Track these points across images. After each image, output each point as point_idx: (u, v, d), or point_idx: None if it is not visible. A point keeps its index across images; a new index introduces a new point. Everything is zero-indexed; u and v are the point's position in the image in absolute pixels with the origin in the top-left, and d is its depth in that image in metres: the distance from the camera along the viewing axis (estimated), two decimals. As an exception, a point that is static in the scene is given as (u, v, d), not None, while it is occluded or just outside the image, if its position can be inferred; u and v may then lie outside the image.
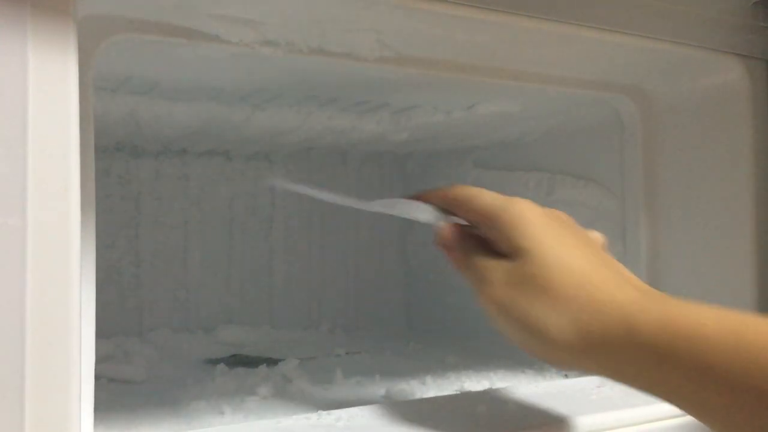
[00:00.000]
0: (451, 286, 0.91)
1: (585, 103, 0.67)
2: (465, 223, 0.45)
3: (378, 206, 0.49)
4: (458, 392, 0.61)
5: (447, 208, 0.46)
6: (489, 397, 0.52)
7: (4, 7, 0.32)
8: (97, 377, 0.44)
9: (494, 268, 0.41)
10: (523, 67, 0.58)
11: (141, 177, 0.89)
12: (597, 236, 0.44)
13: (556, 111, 0.71)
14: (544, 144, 0.78)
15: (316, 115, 0.73)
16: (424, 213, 0.47)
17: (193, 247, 0.92)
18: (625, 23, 0.52)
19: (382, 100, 0.70)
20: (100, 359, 0.71)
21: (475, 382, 0.65)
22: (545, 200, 0.77)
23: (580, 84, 0.62)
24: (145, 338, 0.86)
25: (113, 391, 0.64)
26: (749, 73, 0.58)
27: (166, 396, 0.61)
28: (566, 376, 0.67)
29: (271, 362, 0.73)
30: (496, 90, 0.64)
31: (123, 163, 0.88)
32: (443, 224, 0.45)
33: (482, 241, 0.43)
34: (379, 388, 0.63)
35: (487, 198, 0.43)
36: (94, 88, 0.42)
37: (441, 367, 0.72)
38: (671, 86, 0.63)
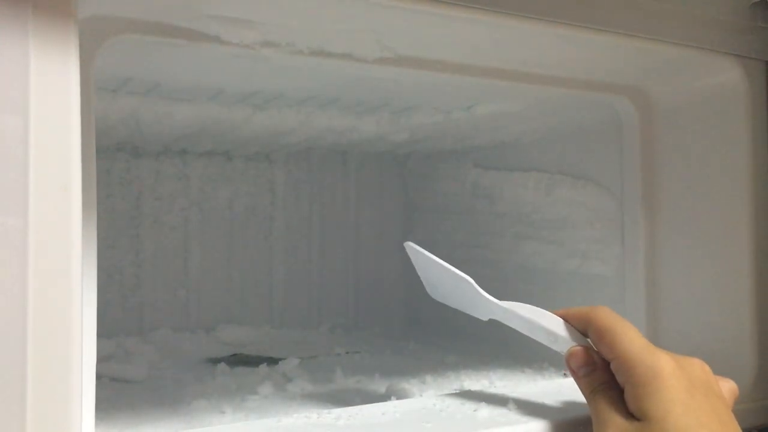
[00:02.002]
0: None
1: (584, 103, 0.67)
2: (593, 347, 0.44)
3: (508, 306, 0.47)
4: (458, 391, 0.61)
5: (583, 330, 0.45)
6: (488, 395, 0.52)
7: (5, 7, 0.32)
8: (99, 376, 0.44)
9: (613, 423, 0.40)
10: (523, 67, 0.58)
11: (142, 177, 0.89)
12: (729, 388, 0.44)
13: (555, 111, 0.72)
14: (544, 144, 0.78)
15: (316, 116, 0.73)
16: (554, 326, 0.45)
17: (194, 247, 0.92)
18: (624, 24, 0.52)
19: (381, 101, 0.70)
20: (102, 359, 0.71)
21: (475, 381, 0.65)
22: (544, 200, 0.77)
23: (579, 85, 0.62)
24: (146, 338, 0.86)
25: (114, 390, 0.64)
26: (747, 74, 0.58)
27: (167, 395, 0.61)
28: (565, 375, 0.67)
29: (272, 361, 0.74)
30: (495, 90, 0.65)
31: (124, 164, 0.88)
32: (575, 348, 0.44)
33: (613, 377, 0.42)
34: (379, 387, 0.63)
35: (630, 342, 0.41)
36: (95, 89, 0.43)
37: (441, 366, 0.72)
38: (670, 87, 0.63)
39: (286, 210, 0.98)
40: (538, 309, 0.46)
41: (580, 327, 0.45)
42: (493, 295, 0.48)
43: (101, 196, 0.86)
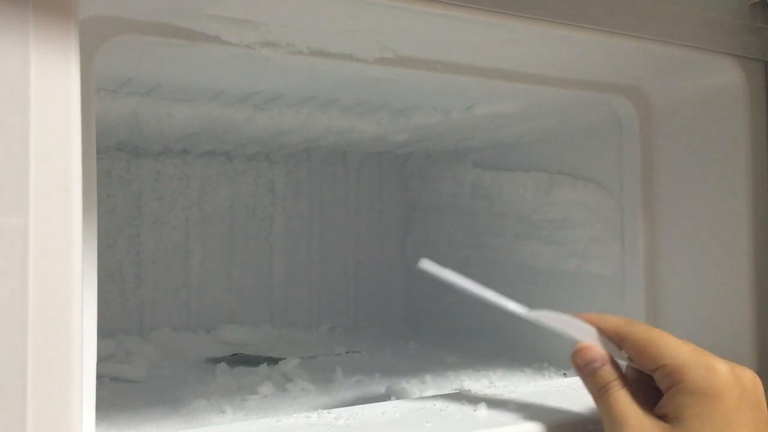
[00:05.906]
0: (450, 286, 0.91)
1: (583, 103, 0.67)
2: (625, 362, 0.42)
3: (537, 316, 0.45)
4: (457, 391, 0.61)
5: (617, 341, 0.42)
6: (488, 395, 0.52)
7: (6, 8, 0.32)
8: (99, 376, 0.45)
9: (635, 422, 0.38)
10: (523, 67, 0.58)
11: (142, 177, 0.89)
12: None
13: (555, 111, 0.72)
14: (543, 144, 0.78)
15: (316, 116, 0.73)
16: (585, 335, 0.43)
17: (194, 247, 0.92)
18: (623, 24, 0.52)
19: (381, 101, 0.71)
20: (102, 358, 0.72)
21: (475, 381, 0.65)
22: (544, 200, 0.77)
23: (579, 85, 0.62)
24: (147, 337, 0.86)
25: (115, 390, 0.64)
26: (746, 74, 0.58)
27: (168, 395, 0.61)
28: (565, 374, 0.67)
29: (272, 361, 0.74)
30: (495, 90, 0.65)
31: (124, 164, 0.88)
32: (582, 344, 0.43)
33: (629, 381, 0.41)
34: (379, 387, 0.64)
35: (676, 349, 0.39)
36: (96, 89, 0.43)
37: (440, 366, 0.72)
38: (669, 87, 0.63)
39: (286, 210, 0.98)
40: (570, 319, 0.44)
41: (615, 340, 0.43)
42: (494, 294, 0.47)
43: (101, 196, 0.86)
